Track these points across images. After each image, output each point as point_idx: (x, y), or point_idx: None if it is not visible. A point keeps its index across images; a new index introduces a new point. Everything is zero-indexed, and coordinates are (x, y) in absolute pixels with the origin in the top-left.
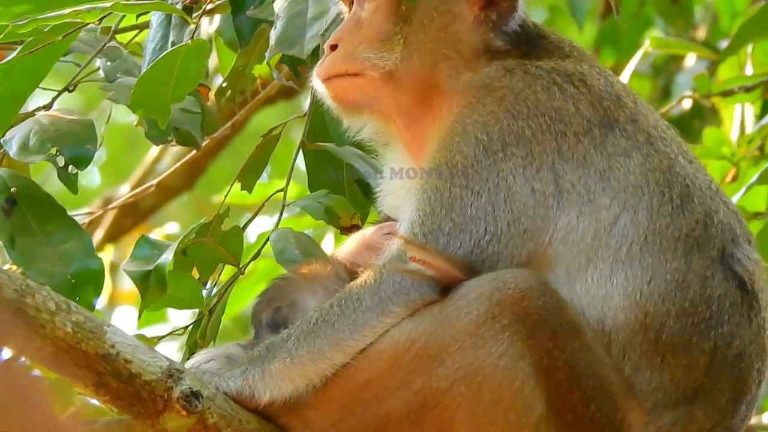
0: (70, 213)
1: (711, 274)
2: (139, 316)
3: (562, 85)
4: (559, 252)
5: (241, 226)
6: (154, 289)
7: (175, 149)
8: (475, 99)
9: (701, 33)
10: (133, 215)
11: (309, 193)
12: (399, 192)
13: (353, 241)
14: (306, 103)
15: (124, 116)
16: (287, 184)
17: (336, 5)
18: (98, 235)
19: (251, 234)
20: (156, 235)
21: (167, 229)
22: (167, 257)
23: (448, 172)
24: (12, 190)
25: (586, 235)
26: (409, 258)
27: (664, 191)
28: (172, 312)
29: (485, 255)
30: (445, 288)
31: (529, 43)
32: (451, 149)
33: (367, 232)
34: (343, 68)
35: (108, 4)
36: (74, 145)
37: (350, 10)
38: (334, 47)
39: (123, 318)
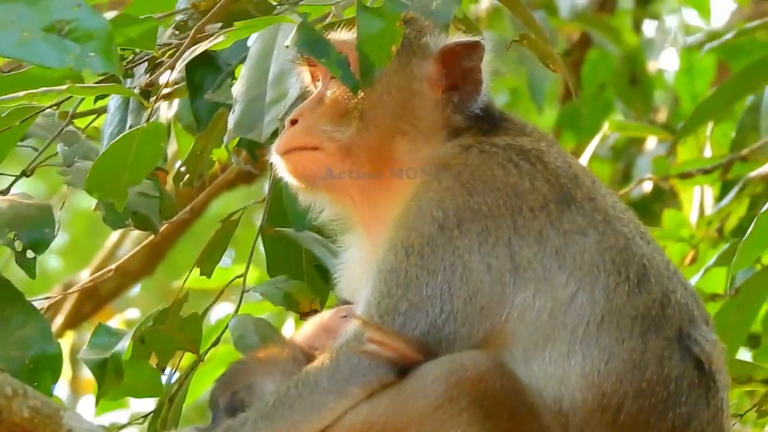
0: (29, 298)
1: (668, 354)
2: (96, 403)
3: (517, 162)
4: (515, 330)
5: (201, 313)
6: (110, 377)
7: (135, 234)
8: (431, 176)
9: (662, 116)
10: (94, 300)
11: (269, 278)
12: (356, 274)
13: (311, 324)
14: (266, 188)
15: (88, 201)
16: (246, 269)
17: (294, 88)
18: (58, 321)
19: (212, 318)
20: (117, 320)
21: (128, 314)
22: (123, 345)
23: (403, 251)
24: None
25: (543, 314)
26: (366, 339)
27: (620, 270)
28: (133, 399)
29: (442, 335)
30: (402, 369)
31: (491, 123)
32: (407, 227)
33: (325, 315)
34: (301, 142)
35: (63, 87)
36: (32, 230)
37: (314, 84)
38: (294, 122)
39: (87, 407)
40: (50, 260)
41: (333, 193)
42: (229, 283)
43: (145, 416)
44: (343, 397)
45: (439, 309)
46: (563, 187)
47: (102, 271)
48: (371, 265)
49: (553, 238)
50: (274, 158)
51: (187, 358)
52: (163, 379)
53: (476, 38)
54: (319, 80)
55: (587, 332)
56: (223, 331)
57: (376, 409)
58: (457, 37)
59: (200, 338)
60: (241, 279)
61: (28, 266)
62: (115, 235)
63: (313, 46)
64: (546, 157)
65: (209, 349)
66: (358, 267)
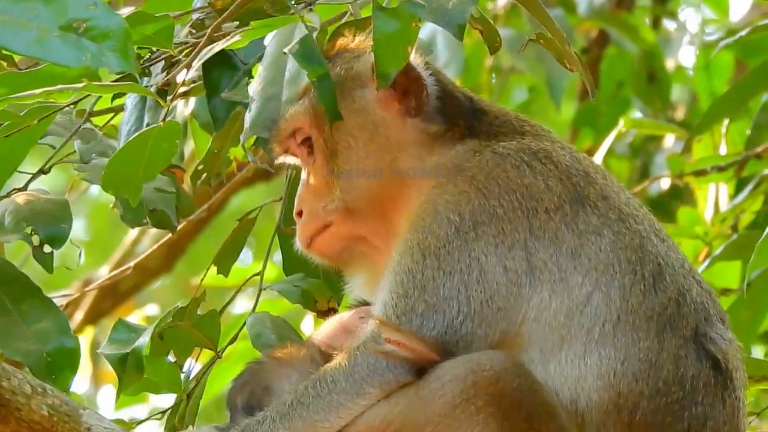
0: (50, 294)
1: (684, 353)
2: (117, 399)
3: (530, 163)
4: (532, 331)
5: (219, 310)
6: (131, 372)
7: (154, 230)
8: (445, 179)
9: (680, 113)
10: (113, 297)
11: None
12: (372, 275)
13: (330, 324)
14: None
15: (108, 196)
16: (264, 267)
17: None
18: (78, 317)
19: (230, 316)
20: (136, 316)
21: (147, 310)
22: (144, 340)
23: (420, 253)
24: None
25: (559, 314)
26: (384, 339)
27: (636, 269)
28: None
29: (459, 335)
30: (419, 370)
31: (473, 118)
32: (423, 230)
33: (344, 315)
34: (312, 229)
35: (80, 85)
36: (49, 225)
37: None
38: (299, 214)
39: (107, 398)
40: (72, 254)
41: (365, 253)
42: (247, 281)
43: (163, 412)
44: (361, 397)
45: (456, 310)
46: (576, 186)
47: (121, 269)
48: (387, 267)
49: (569, 239)
50: (304, 251)
51: (206, 354)
52: (182, 376)
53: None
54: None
55: (603, 332)
56: (241, 329)
57: (394, 409)
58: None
59: (218, 335)
60: (259, 277)
61: (45, 261)
62: (134, 232)
63: (308, 58)
64: (555, 156)
65: (227, 346)
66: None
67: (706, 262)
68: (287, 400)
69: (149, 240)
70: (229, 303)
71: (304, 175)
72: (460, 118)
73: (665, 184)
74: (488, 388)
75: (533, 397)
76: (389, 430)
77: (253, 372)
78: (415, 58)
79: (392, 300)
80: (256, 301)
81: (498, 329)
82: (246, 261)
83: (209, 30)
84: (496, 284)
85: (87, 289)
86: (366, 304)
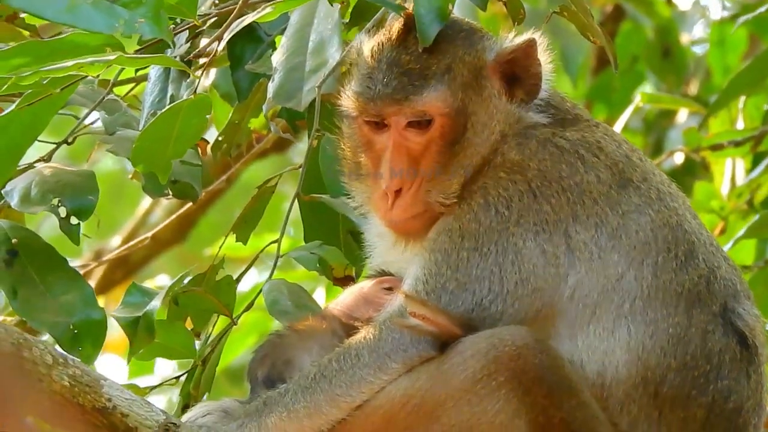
0: None
1: (712, 328)
2: (128, 362)
3: (584, 156)
4: (565, 308)
5: (236, 278)
6: (142, 335)
7: (166, 201)
8: (505, 173)
9: (693, 88)
10: (124, 268)
11: (303, 244)
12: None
13: (351, 294)
14: (297, 156)
15: (110, 165)
16: (281, 235)
17: (333, 57)
18: None
19: (245, 286)
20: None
21: (158, 281)
22: (156, 304)
23: (458, 234)
24: (13, 241)
25: (593, 292)
26: (409, 313)
27: (670, 248)
28: (158, 364)
29: (487, 313)
30: (443, 344)
31: (558, 111)
32: (468, 216)
33: (365, 285)
34: (411, 213)
35: (111, 57)
36: (76, 196)
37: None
38: (398, 192)
39: (109, 366)
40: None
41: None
42: (264, 248)
43: (177, 377)
44: (384, 372)
45: (487, 289)
46: (622, 171)
47: (138, 239)
48: (424, 242)
49: (612, 220)
50: (388, 223)
51: (221, 323)
52: (197, 343)
53: (528, 38)
54: (381, 131)
55: (633, 308)
56: (257, 296)
57: (415, 383)
58: (508, 40)
59: (234, 302)
60: (275, 246)
61: (72, 232)
62: (145, 203)
63: None
64: (605, 146)
65: (243, 312)
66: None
67: (730, 243)
68: (310, 372)
69: (161, 211)
70: (247, 269)
71: (402, 144)
72: (552, 111)
73: (679, 159)
74: (509, 364)
75: (555, 373)
76: (409, 405)
77: (273, 345)
78: (543, 52)
79: (424, 276)
80: (273, 267)
81: (532, 308)
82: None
83: (240, 2)
84: (532, 266)
85: (104, 259)
86: (386, 274)
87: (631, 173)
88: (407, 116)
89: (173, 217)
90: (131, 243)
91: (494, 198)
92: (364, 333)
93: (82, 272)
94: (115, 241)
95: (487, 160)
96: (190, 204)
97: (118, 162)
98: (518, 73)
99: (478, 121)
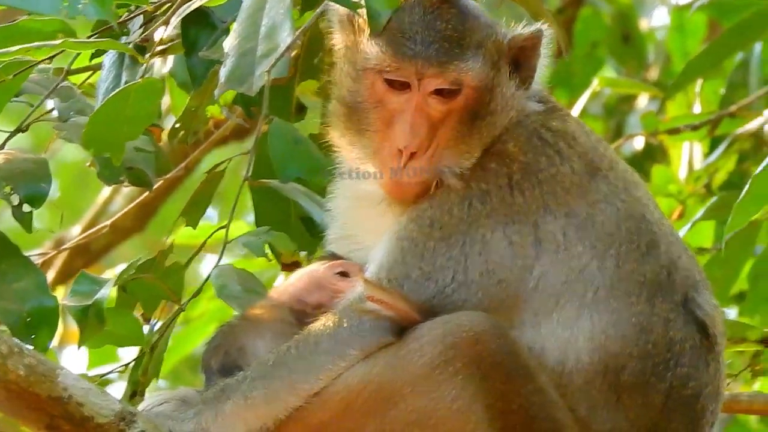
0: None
1: (674, 317)
2: (78, 348)
3: (562, 149)
4: (529, 298)
5: (185, 264)
6: (92, 324)
7: (127, 190)
8: (496, 164)
9: (654, 74)
10: (85, 256)
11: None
12: (350, 226)
13: (301, 278)
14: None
15: (75, 155)
16: (229, 220)
17: (285, 42)
18: (50, 276)
19: (202, 273)
20: (107, 275)
21: (118, 269)
22: (105, 292)
23: (428, 224)
24: None
25: (557, 282)
26: (367, 297)
27: (633, 238)
28: (122, 352)
29: (449, 301)
30: (402, 330)
31: (545, 100)
32: (443, 207)
33: (318, 269)
34: (423, 178)
35: (57, 42)
36: (29, 184)
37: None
38: (413, 154)
39: (72, 357)
40: (43, 214)
41: None
42: (212, 233)
43: (126, 365)
44: (342, 359)
45: (451, 278)
46: (592, 162)
47: (96, 227)
48: (391, 228)
49: (581, 211)
50: (387, 182)
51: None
52: (146, 329)
53: (538, 29)
54: (400, 92)
55: (596, 297)
56: (205, 281)
57: (372, 369)
58: (519, 29)
59: (182, 288)
60: (229, 232)
61: (25, 220)
62: (106, 191)
63: None
64: (578, 136)
65: (191, 298)
66: (353, 220)
67: (688, 225)
68: (268, 360)
69: (122, 199)
70: (195, 255)
71: (424, 110)
72: (541, 99)
73: (639, 143)
74: (467, 350)
75: (513, 358)
76: (366, 391)
77: (225, 334)
78: (542, 33)
79: (387, 263)
80: (221, 253)
81: (497, 298)
82: (214, 220)
83: None
84: (499, 257)
85: (63, 248)
86: (337, 257)
87: (599, 163)
88: (440, 82)
89: (132, 205)
90: (90, 231)
91: (473, 192)
92: (324, 320)
93: (41, 261)
94: (76, 230)
95: (493, 141)
96: (148, 192)
97: (82, 151)
98: (521, 60)
99: (500, 100)
